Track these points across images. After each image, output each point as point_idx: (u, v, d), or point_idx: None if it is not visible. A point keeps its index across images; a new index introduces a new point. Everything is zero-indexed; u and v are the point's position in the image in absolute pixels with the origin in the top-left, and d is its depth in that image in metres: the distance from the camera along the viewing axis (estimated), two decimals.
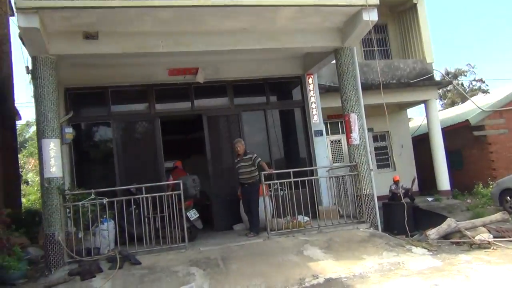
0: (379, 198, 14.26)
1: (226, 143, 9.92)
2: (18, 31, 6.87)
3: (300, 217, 8.61)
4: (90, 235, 7.21)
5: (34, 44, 7.00)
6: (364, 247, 7.21)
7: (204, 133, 9.75)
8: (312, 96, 10.30)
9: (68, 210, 7.14)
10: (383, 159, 16.70)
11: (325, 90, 13.67)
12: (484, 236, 7.64)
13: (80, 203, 7.09)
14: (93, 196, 7.20)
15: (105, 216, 7.81)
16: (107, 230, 7.70)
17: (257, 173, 8.31)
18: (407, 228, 8.89)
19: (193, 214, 8.19)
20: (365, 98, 14.57)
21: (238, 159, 8.47)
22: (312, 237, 7.71)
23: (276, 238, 7.75)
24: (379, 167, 16.43)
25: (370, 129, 16.51)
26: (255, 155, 8.48)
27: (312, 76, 10.40)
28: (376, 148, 16.57)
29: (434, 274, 5.88)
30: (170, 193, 7.48)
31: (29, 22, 6.50)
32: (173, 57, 8.84)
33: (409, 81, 14.91)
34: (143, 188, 7.51)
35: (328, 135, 15.92)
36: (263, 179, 7.91)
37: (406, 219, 8.77)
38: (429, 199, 14.58)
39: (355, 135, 8.50)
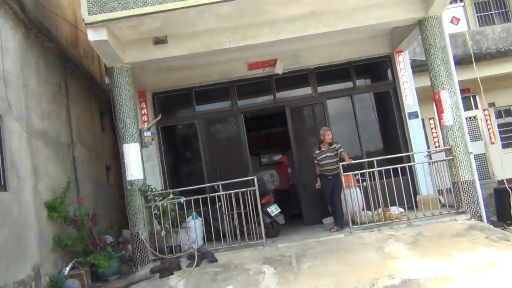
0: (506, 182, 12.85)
1: (311, 134, 9.53)
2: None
3: (393, 209, 7.89)
4: (171, 233, 7.43)
5: (108, 55, 7.40)
6: (457, 242, 6.33)
7: (288, 126, 9.46)
8: (403, 75, 9.37)
9: (151, 210, 7.41)
10: (510, 137, 14.67)
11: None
12: None
13: (160, 203, 7.35)
14: (171, 196, 7.42)
15: (193, 213, 8.09)
16: (195, 227, 7.94)
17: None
18: None
19: (274, 210, 8.00)
20: (480, 70, 13.12)
21: (323, 149, 8.04)
22: (399, 231, 7.01)
23: (359, 233, 7.20)
24: (505, 146, 14.55)
25: (491, 104, 14.76)
26: (339, 144, 8.00)
27: (402, 53, 9.46)
28: (500, 125, 14.65)
29: None
30: (245, 189, 7.37)
31: (98, 35, 6.86)
32: (251, 51, 8.67)
33: None
34: (220, 186, 7.50)
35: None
36: (341, 170, 7.39)
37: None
38: None
39: (447, 114, 7.51)
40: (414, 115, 9.29)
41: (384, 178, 7.42)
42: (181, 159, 9.90)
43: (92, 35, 6.86)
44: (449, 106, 7.48)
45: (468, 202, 7.29)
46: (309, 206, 9.19)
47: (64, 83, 9.04)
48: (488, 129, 14.65)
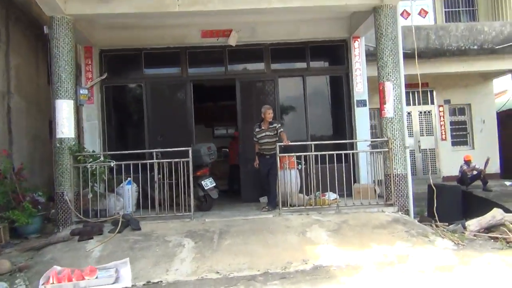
0: (451, 178, 13.14)
1: (259, 111, 9.34)
2: None
3: (329, 195, 7.92)
4: (98, 197, 7.23)
5: (46, 3, 6.99)
6: (377, 234, 6.41)
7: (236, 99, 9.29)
8: (357, 62, 9.29)
9: (79, 171, 7.17)
10: (461, 135, 14.96)
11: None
12: None
13: (88, 164, 7.13)
14: (102, 158, 7.20)
15: (129, 179, 7.91)
16: (129, 193, 7.79)
17: None
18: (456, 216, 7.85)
19: (208, 183, 7.89)
20: (440, 66, 13.22)
21: (263, 128, 7.91)
22: (326, 217, 7.04)
23: (288, 215, 7.20)
24: (455, 143, 14.86)
25: (447, 101, 14.97)
26: (280, 124, 7.90)
27: (358, 39, 9.36)
28: (453, 123, 14.89)
29: (436, 273, 5.02)
30: (179, 159, 7.21)
31: None
32: (206, 18, 8.46)
33: (493, 47, 12.96)
34: (155, 154, 7.33)
35: None
36: (277, 151, 7.32)
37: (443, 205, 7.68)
38: (508, 183, 12.79)
39: (388, 106, 7.51)
40: (362, 103, 9.27)
41: (327, 163, 7.41)
42: (124, 122, 9.59)
43: None
44: (391, 98, 7.47)
45: (398, 195, 7.37)
46: (247, 183, 9.13)
47: (4, 29, 8.56)
48: (441, 125, 14.87)
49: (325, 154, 7.54)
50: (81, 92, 7.37)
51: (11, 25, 8.76)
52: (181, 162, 7.17)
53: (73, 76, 7.31)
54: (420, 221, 7.92)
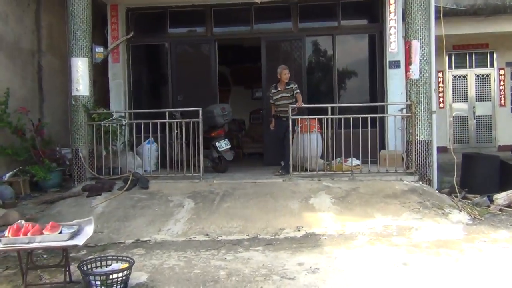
0: (507, 147, 12.13)
1: None
2: None
3: (353, 160, 7.50)
4: (110, 155, 7.34)
5: None
6: (386, 204, 6.00)
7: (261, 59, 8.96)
8: (392, 19, 8.54)
9: (93, 128, 7.28)
10: None
11: (441, 14, 11.49)
12: None
13: (102, 122, 7.21)
14: (114, 116, 7.26)
15: (150, 138, 7.98)
16: (148, 152, 7.88)
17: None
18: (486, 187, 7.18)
19: (223, 145, 7.75)
20: (502, 24, 11.92)
21: (280, 89, 7.58)
22: (338, 184, 6.69)
23: (299, 180, 6.93)
24: None
25: (509, 64, 13.63)
26: (296, 85, 7.53)
27: None
28: None
29: (432, 249, 4.60)
30: (189, 120, 7.10)
31: None
32: None
33: None
34: (167, 113, 7.26)
35: (451, 69, 13.62)
36: (290, 113, 6.99)
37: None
38: None
39: (414, 67, 6.87)
40: (395, 64, 8.57)
41: (351, 128, 6.94)
42: (149, 82, 9.62)
43: None
44: (417, 58, 6.83)
45: (419, 164, 6.84)
46: (270, 146, 8.88)
47: None
48: (500, 90, 13.64)
49: (348, 118, 7.05)
50: (96, 50, 7.39)
51: None
52: (191, 122, 7.04)
53: (89, 34, 7.32)
54: (449, 192, 7.41)
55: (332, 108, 7.28)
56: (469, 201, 6.61)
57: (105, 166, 7.35)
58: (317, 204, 6.03)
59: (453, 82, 13.78)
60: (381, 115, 7.83)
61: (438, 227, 5.33)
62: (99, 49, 7.45)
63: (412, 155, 6.88)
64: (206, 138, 7.82)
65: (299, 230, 5.32)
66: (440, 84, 13.74)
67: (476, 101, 13.67)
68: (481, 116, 13.68)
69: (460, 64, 13.88)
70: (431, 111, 6.95)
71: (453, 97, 13.81)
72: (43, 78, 8.94)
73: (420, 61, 6.81)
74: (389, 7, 8.59)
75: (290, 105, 7.04)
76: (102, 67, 8.89)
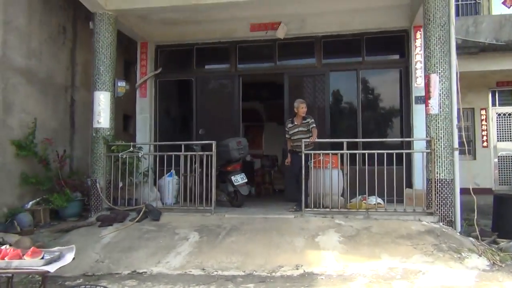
0: None
1: (308, 107, 8.87)
2: None
3: (372, 198, 7.19)
4: (126, 186, 7.44)
5: (90, 0, 7.39)
6: (397, 244, 5.64)
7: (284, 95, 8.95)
8: (418, 53, 8.32)
9: (112, 160, 7.46)
10: None
11: (479, 50, 11.12)
12: None
13: (119, 154, 7.37)
14: (131, 149, 7.40)
15: (172, 171, 8.06)
16: (168, 184, 7.97)
17: None
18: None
19: (239, 179, 7.69)
20: None
21: (296, 123, 7.50)
22: (350, 222, 6.39)
23: (311, 217, 6.67)
24: None
25: None
26: (313, 120, 7.41)
27: (421, 29, 8.36)
28: None
29: None
30: (203, 153, 7.12)
31: None
32: (255, 10, 8.30)
33: None
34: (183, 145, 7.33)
35: (495, 106, 13.01)
36: (303, 147, 6.84)
37: None
38: None
39: (433, 102, 6.57)
40: (421, 99, 8.21)
41: (375, 165, 6.67)
42: (174, 116, 9.83)
43: None
44: (436, 92, 6.53)
45: (439, 204, 6.43)
46: (291, 181, 8.67)
47: (71, 27, 9.24)
48: None
49: (372, 154, 6.81)
50: (119, 84, 7.67)
51: (79, 24, 9.41)
52: (205, 156, 7.05)
53: (112, 69, 7.62)
54: (478, 236, 6.91)
55: (351, 143, 7.07)
56: (496, 246, 6.10)
57: (122, 197, 7.45)
58: (323, 242, 5.76)
59: (497, 120, 13.11)
60: (399, 151, 7.37)
61: (449, 272, 4.92)
62: (122, 84, 7.72)
63: (432, 194, 6.48)
64: (223, 172, 7.82)
65: (297, 269, 5.09)
66: (483, 122, 13.13)
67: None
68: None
69: (506, 102, 13.23)
70: (452, 148, 6.57)
71: (497, 136, 13.10)
72: (75, 111, 9.34)
73: (440, 96, 6.51)
74: (415, 42, 8.41)
75: (304, 140, 6.89)
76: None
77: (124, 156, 7.35)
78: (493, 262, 5.26)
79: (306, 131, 7.33)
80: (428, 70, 6.63)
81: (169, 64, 9.62)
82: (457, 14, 12.50)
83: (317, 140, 7.08)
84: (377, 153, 6.77)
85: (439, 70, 6.53)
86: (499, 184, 12.95)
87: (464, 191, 11.10)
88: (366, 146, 7.92)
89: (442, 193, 6.43)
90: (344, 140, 6.93)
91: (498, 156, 13.00)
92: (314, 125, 7.31)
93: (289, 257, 5.38)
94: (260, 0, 7.29)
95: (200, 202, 7.16)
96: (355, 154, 6.90)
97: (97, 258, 5.71)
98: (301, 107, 7.35)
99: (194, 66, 9.47)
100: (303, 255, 5.43)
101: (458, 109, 6.74)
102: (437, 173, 6.46)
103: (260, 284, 4.68)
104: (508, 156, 12.95)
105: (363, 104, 8.74)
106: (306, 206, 6.85)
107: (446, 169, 6.45)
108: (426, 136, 6.73)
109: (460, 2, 12.87)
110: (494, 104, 13.18)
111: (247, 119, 12.77)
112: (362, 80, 8.76)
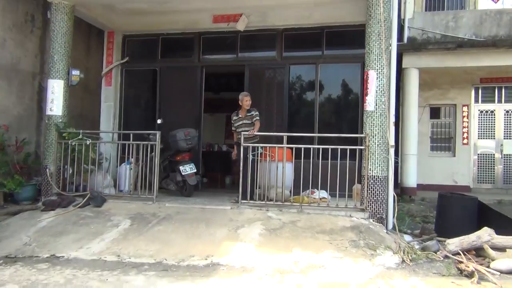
0: None
1: (268, 99, 8.97)
2: None
3: (319, 193, 7.24)
4: (74, 173, 7.62)
5: None
6: (314, 239, 5.71)
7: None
8: None
9: (62, 147, 7.64)
10: None
11: (456, 45, 10.94)
12: (505, 262, 5.08)
13: (70, 141, 7.56)
14: (81, 136, 7.58)
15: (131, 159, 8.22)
16: (124, 172, 8.16)
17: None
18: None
19: (187, 169, 7.81)
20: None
21: (240, 115, 7.58)
22: (281, 216, 6.48)
23: (246, 209, 6.78)
24: None
25: None
26: (257, 112, 7.47)
27: None
28: None
29: None
30: (147, 142, 7.27)
31: None
32: (218, 2, 8.37)
33: None
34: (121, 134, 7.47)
35: (478, 103, 12.82)
36: (242, 140, 6.93)
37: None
38: None
39: (369, 98, 6.56)
40: None
41: (329, 159, 6.68)
42: (138, 105, 9.97)
43: None
44: (373, 89, 6.52)
45: (371, 200, 6.45)
46: None
47: (40, 14, 9.41)
48: None
49: (326, 148, 6.80)
50: (73, 73, 7.83)
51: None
52: (148, 145, 7.19)
53: (67, 58, 7.79)
54: (420, 233, 6.98)
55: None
56: (420, 244, 6.13)
57: (72, 183, 7.64)
58: (244, 234, 5.86)
59: (479, 117, 12.91)
60: (334, 146, 7.05)
61: (351, 268, 4.98)
62: (76, 72, 7.88)
63: (364, 191, 6.51)
64: (172, 162, 7.95)
65: (206, 259, 5.20)
66: (465, 119, 12.95)
67: (504, 138, 12.67)
68: (510, 155, 12.63)
69: (488, 98, 13.00)
70: (388, 145, 6.56)
71: (478, 134, 12.90)
72: (44, 98, 9.54)
73: (376, 92, 6.50)
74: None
75: (243, 133, 6.97)
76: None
77: (74, 143, 7.53)
78: (403, 260, 5.29)
79: (250, 123, 7.40)
80: (367, 66, 6.61)
81: (136, 54, 9.77)
82: (442, 8, 12.36)
83: (257, 133, 7.14)
84: (320, 148, 6.82)
85: (377, 66, 6.51)
86: (478, 182, 12.80)
87: (442, 188, 11.14)
88: (325, 140, 7.91)
89: (374, 190, 6.45)
90: (284, 134, 7.00)
91: (478, 154, 12.82)
92: (258, 118, 7.38)
93: (204, 248, 5.50)
94: None
95: (149, 190, 7.30)
96: (306, 148, 6.85)
97: (26, 241, 5.92)
98: (245, 100, 7.42)
99: (159, 56, 9.60)
100: (218, 246, 5.54)
101: (397, 107, 6.72)
102: (370, 170, 6.47)
103: (161, 272, 4.81)
104: (488, 154, 12.77)
105: (321, 98, 8.75)
106: (245, 198, 6.94)
107: (379, 166, 6.46)
108: (362, 132, 6.72)
109: None
110: (476, 101, 12.96)
111: (219, 109, 12.95)
112: (322, 74, 8.76)
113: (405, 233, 7.11)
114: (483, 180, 12.79)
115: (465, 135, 12.92)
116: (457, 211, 7.10)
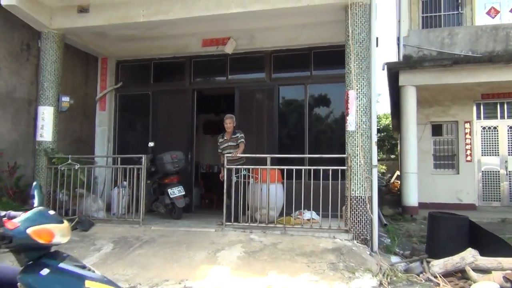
0: None
1: (258, 120, 8.99)
2: None
3: (308, 214, 7.18)
4: (64, 196, 7.70)
5: (31, 20, 7.82)
6: (293, 262, 5.62)
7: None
8: None
9: (52, 171, 7.76)
10: None
11: (452, 62, 10.86)
12: (485, 285, 4.92)
13: (59, 166, 7.67)
14: (69, 161, 7.68)
15: (124, 182, 8.30)
16: (117, 195, 8.22)
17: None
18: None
19: (176, 192, 7.83)
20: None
21: (226, 138, 7.61)
22: (264, 237, 6.42)
23: (230, 231, 6.75)
24: None
25: None
26: (242, 135, 7.49)
27: None
28: None
29: None
30: (133, 166, 7.33)
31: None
32: (205, 27, 8.48)
33: None
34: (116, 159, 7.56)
35: (480, 119, 12.66)
36: (225, 162, 6.93)
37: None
38: None
39: (350, 118, 6.53)
40: None
41: (321, 180, 6.72)
42: (132, 129, 10.08)
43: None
44: (354, 109, 6.50)
45: (354, 221, 6.36)
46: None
47: (36, 43, 9.67)
48: None
49: (318, 169, 6.80)
50: (63, 99, 7.98)
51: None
52: (135, 169, 7.24)
53: (56, 85, 7.98)
54: (410, 254, 6.83)
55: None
56: (405, 265, 5.99)
57: (61, 207, 7.70)
58: (222, 257, 5.81)
59: (482, 134, 12.72)
60: (317, 167, 6.98)
61: None
62: (66, 99, 8.03)
63: (347, 212, 6.42)
64: (161, 185, 7.99)
65: (180, 283, 5.16)
66: (468, 136, 12.76)
67: (509, 154, 12.44)
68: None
69: (491, 115, 12.81)
70: (371, 164, 6.49)
71: (482, 150, 12.68)
72: None
73: (357, 112, 6.47)
74: None
75: (226, 155, 6.98)
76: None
77: (63, 168, 7.63)
78: (381, 283, 5.17)
79: (235, 145, 7.42)
80: (347, 86, 6.60)
81: (129, 79, 9.94)
82: (439, 25, 12.33)
83: (239, 155, 7.13)
84: (305, 169, 6.78)
85: (357, 86, 6.50)
86: (483, 200, 12.53)
87: (446, 206, 10.94)
88: (315, 160, 7.83)
89: (357, 211, 6.36)
90: (268, 156, 6.94)
91: (482, 171, 12.58)
92: (243, 140, 7.39)
93: (180, 271, 5.46)
94: (210, 16, 7.31)
95: (137, 213, 7.33)
96: (291, 169, 6.83)
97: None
98: (227, 122, 7.49)
99: (152, 81, 9.74)
100: (195, 269, 5.50)
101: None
102: (352, 190, 6.39)
103: None
104: (493, 171, 12.52)
105: (310, 118, 8.73)
106: (230, 220, 6.91)
107: (362, 186, 6.38)
108: (345, 153, 6.67)
109: (442, 13, 12.61)
110: (478, 117, 12.80)
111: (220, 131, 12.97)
112: (310, 95, 8.76)
113: (395, 253, 6.97)
114: (488, 198, 12.53)
115: (468, 152, 12.72)
116: (448, 231, 6.91)
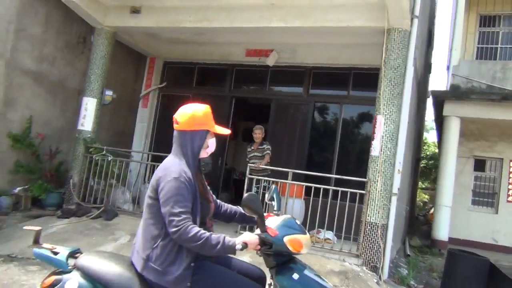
0: None
1: (290, 134, 9.07)
2: None
3: (326, 233, 7.20)
4: (94, 185, 8.10)
5: (87, 17, 8.30)
6: None
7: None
8: None
9: (87, 160, 8.19)
10: None
11: (501, 97, 10.49)
12: None
13: (94, 156, 8.09)
14: (104, 152, 8.08)
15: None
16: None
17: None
18: None
19: None
20: None
21: (253, 148, 7.76)
22: None
23: None
24: None
25: None
26: (269, 146, 7.61)
27: None
28: None
29: None
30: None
31: None
32: (250, 37, 8.74)
33: None
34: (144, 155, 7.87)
35: None
36: (248, 172, 7.07)
37: None
38: None
39: (375, 143, 6.48)
40: None
41: (338, 199, 6.62)
42: (169, 128, 10.35)
43: None
44: (379, 134, 6.44)
45: (366, 247, 6.30)
46: None
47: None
48: None
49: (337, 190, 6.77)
50: (106, 93, 8.41)
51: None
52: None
53: (102, 79, 8.43)
54: None
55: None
56: None
57: (93, 196, 8.09)
58: None
59: None
60: (336, 188, 6.88)
61: None
62: (109, 93, 8.46)
63: (361, 236, 6.37)
64: None
65: None
66: (511, 175, 12.26)
67: None
68: None
69: None
70: (390, 192, 6.42)
71: None
72: None
73: (382, 138, 6.42)
74: None
75: (249, 165, 7.12)
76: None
77: (97, 158, 8.04)
78: None
79: (260, 156, 7.54)
80: (377, 110, 6.57)
81: (173, 80, 10.32)
82: (494, 58, 11.95)
83: (262, 166, 7.24)
84: (322, 188, 6.79)
85: (386, 112, 6.45)
86: None
87: (479, 245, 10.58)
88: (339, 181, 7.80)
89: (370, 237, 6.30)
90: (290, 171, 7.01)
91: None
92: (269, 152, 7.50)
93: None
94: (252, 28, 7.51)
95: None
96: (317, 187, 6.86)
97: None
98: (256, 133, 7.62)
99: (194, 84, 10.05)
100: None
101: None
102: (368, 216, 6.34)
103: None
104: None
105: (342, 138, 8.71)
106: (245, 229, 7.00)
107: (378, 212, 6.32)
108: (366, 177, 6.62)
109: (499, 45, 12.22)
110: None
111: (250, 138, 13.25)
112: (345, 114, 8.74)
113: (408, 286, 6.85)
114: None
115: (511, 192, 12.19)
116: (465, 271, 6.72)
